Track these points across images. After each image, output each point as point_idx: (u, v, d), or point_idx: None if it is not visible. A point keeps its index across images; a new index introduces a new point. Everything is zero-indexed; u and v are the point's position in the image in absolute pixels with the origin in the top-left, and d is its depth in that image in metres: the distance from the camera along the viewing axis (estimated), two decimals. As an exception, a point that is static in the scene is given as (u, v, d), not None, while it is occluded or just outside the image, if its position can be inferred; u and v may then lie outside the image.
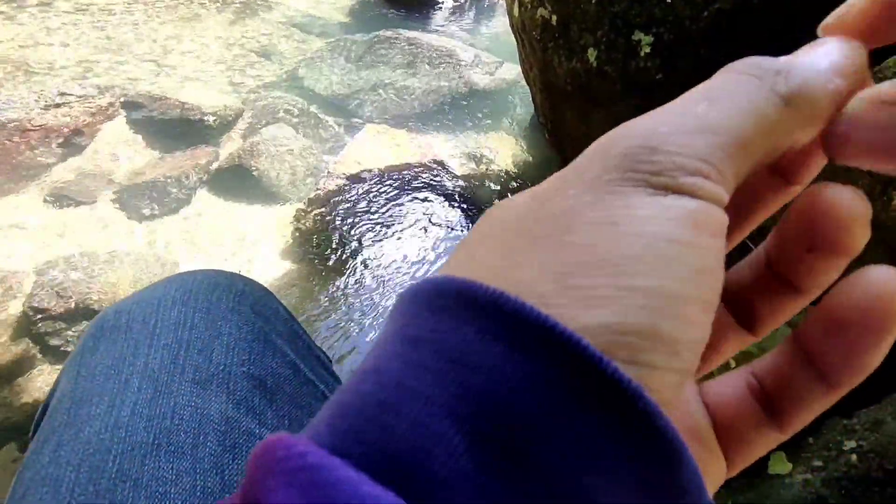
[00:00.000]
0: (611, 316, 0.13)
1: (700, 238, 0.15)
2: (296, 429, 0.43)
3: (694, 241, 0.14)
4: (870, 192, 0.75)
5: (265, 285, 1.59)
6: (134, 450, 0.37)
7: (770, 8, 1.09)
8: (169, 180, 1.95)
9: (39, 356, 1.49)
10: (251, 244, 1.78)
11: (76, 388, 0.42)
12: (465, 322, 0.14)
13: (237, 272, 0.54)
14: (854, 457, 0.74)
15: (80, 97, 2.29)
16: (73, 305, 1.53)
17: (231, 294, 0.49)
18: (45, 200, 1.89)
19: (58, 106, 2.23)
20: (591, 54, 1.34)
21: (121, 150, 2.13)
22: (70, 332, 1.50)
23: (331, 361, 0.58)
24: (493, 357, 0.13)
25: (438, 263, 1.71)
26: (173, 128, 2.20)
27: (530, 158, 2.18)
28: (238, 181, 2.00)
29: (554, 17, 1.37)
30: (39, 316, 1.52)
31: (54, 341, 1.50)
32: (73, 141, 2.10)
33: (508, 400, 0.12)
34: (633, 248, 0.14)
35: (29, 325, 1.52)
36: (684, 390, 0.19)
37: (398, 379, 0.13)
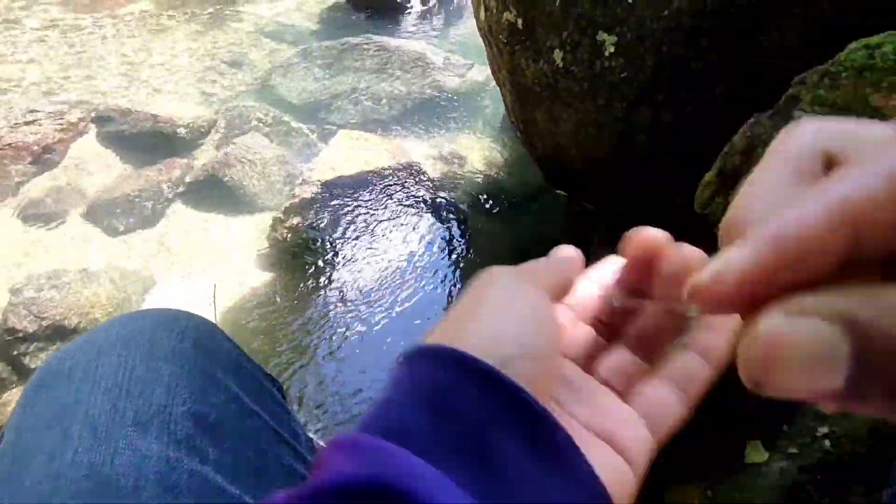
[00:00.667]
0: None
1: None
2: (240, 464, 0.44)
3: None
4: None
5: (244, 295, 1.58)
6: (74, 498, 0.37)
7: (724, 7, 1.12)
8: (142, 194, 1.94)
9: (14, 378, 1.47)
10: (228, 255, 1.77)
11: (18, 441, 0.42)
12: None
13: (181, 309, 0.55)
14: (827, 442, 0.76)
15: (49, 114, 2.26)
16: (47, 325, 1.51)
17: (173, 332, 0.49)
18: (16, 219, 1.86)
19: (27, 123, 2.20)
20: (558, 55, 1.36)
21: (92, 166, 2.10)
22: (45, 354, 1.49)
23: (280, 389, 0.58)
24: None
25: (416, 267, 1.72)
26: (145, 141, 2.18)
27: (503, 157, 2.21)
28: (213, 192, 1.99)
29: (519, 21, 1.39)
30: (13, 337, 1.49)
31: (29, 362, 1.48)
32: (43, 158, 2.07)
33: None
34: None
35: (3, 347, 1.50)
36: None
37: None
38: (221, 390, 0.47)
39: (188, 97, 2.48)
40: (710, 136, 1.28)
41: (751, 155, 0.87)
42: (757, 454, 0.82)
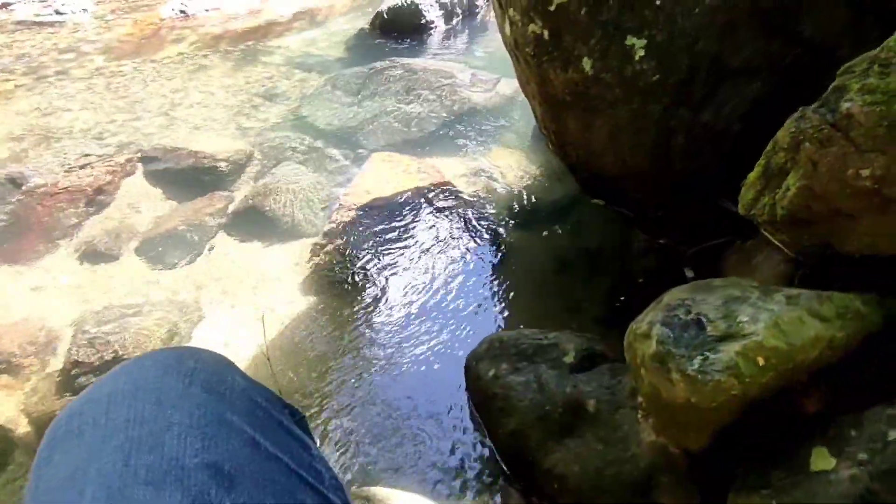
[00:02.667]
0: None
1: None
2: None
3: None
4: (885, 174, 0.74)
5: (288, 323, 1.61)
6: None
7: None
8: (188, 228, 2.01)
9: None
10: (272, 282, 1.81)
11: None
12: None
13: (189, 346, 0.55)
14: (899, 446, 0.72)
15: (99, 156, 2.37)
16: (109, 357, 1.57)
17: (181, 376, 0.48)
18: (75, 258, 1.95)
19: (81, 167, 2.31)
20: (586, 63, 1.35)
21: (141, 203, 2.19)
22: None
23: (303, 421, 0.57)
24: None
25: (456, 287, 1.72)
26: (188, 176, 2.27)
27: (537, 169, 2.20)
28: (254, 222, 2.04)
29: (545, 32, 1.39)
30: (78, 370, 1.56)
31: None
32: (96, 199, 2.17)
33: None
34: None
35: (70, 380, 1.56)
36: None
37: None
38: (235, 435, 0.46)
39: (225, 132, 2.56)
40: (753, 134, 1.25)
41: (797, 151, 0.84)
42: (823, 461, 0.78)
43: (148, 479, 0.40)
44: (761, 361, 0.75)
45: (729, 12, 1.11)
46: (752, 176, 0.95)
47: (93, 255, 1.96)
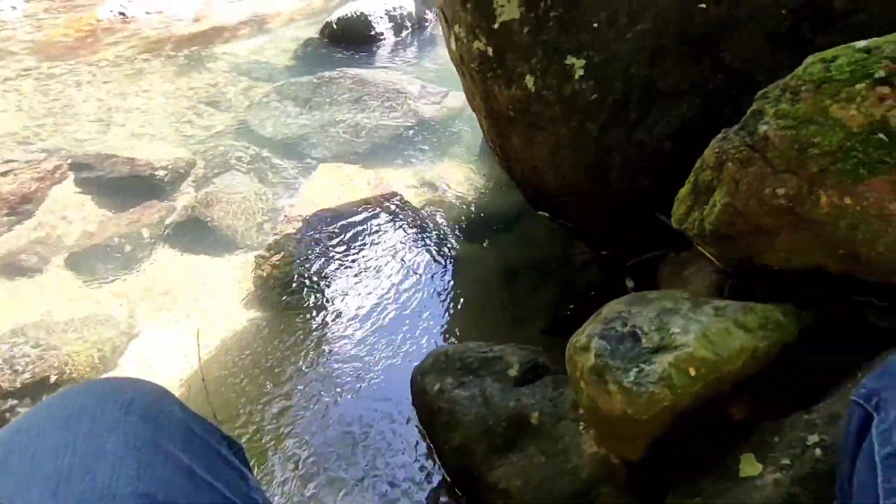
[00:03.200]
0: None
1: None
2: None
3: None
4: (797, 193, 0.80)
5: (227, 338, 1.56)
6: None
7: (684, 25, 1.15)
8: (123, 239, 1.92)
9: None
10: (211, 297, 1.76)
11: None
12: None
13: (125, 377, 0.55)
14: (818, 451, 0.76)
15: (26, 163, 2.25)
16: (28, 379, 1.48)
17: (118, 404, 0.47)
18: (-3, 272, 1.84)
19: (3, 174, 2.19)
20: (529, 80, 1.38)
21: (71, 213, 2.09)
22: (26, 409, 1.45)
23: (241, 452, 0.56)
24: None
25: (403, 300, 1.72)
26: (124, 185, 2.18)
27: (484, 182, 2.22)
28: (195, 233, 1.98)
29: (490, 49, 1.42)
30: (-6, 394, 1.46)
31: (10, 419, 1.44)
32: (20, 208, 2.06)
33: None
34: None
35: (-17, 405, 1.47)
36: None
37: None
38: (171, 463, 0.45)
39: (166, 140, 2.48)
40: (683, 152, 1.30)
41: (721, 169, 0.89)
42: (750, 467, 0.82)
43: None
44: (692, 372, 0.78)
45: (658, 38, 1.16)
46: (682, 192, 0.99)
47: (15, 269, 1.85)
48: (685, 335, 0.81)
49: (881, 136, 0.73)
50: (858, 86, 0.73)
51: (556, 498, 1.02)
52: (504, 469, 1.10)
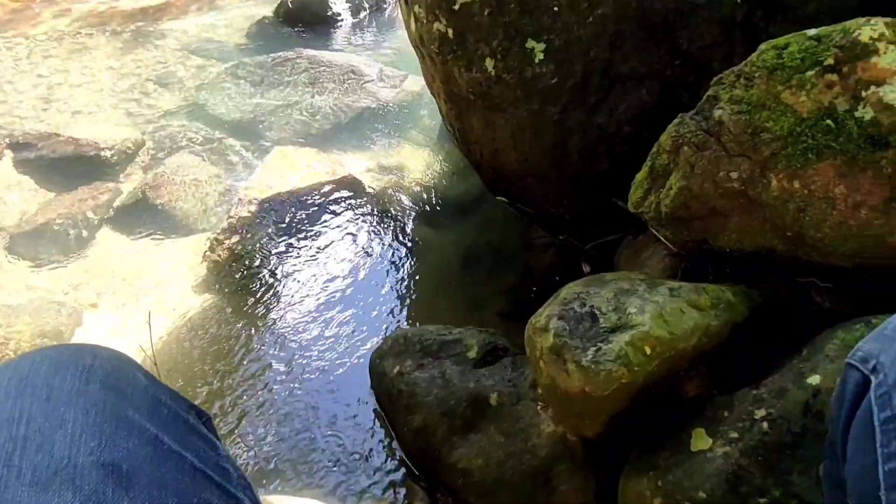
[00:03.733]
0: None
1: None
2: None
3: None
4: (750, 176, 0.82)
5: (181, 322, 1.52)
6: None
7: (642, 11, 1.17)
8: (67, 222, 1.83)
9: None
10: (163, 281, 1.70)
11: None
12: None
13: (85, 343, 0.52)
14: (765, 424, 0.79)
15: (-44, 141, 2.12)
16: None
17: (77, 372, 0.44)
18: (-75, 257, 1.73)
19: (-68, 153, 2.05)
20: (489, 63, 1.38)
21: (10, 195, 1.98)
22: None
23: (209, 422, 0.54)
24: None
25: (360, 284, 1.70)
26: (67, 166, 2.07)
27: (443, 167, 2.22)
28: (144, 216, 1.90)
29: (450, 31, 1.41)
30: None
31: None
32: (-49, 190, 1.93)
33: None
34: None
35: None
36: None
37: None
38: (135, 433, 0.43)
39: (112, 119, 2.37)
40: (641, 136, 1.33)
41: (678, 153, 0.91)
42: (702, 441, 0.85)
43: (33, 480, 0.37)
44: (648, 350, 0.80)
45: (618, 22, 1.17)
46: (639, 176, 1.01)
47: (-51, 253, 1.75)
48: (641, 315, 0.83)
49: (829, 122, 0.75)
50: (808, 73, 0.76)
51: (517, 476, 1.03)
52: (464, 449, 1.10)
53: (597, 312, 0.86)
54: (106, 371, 0.46)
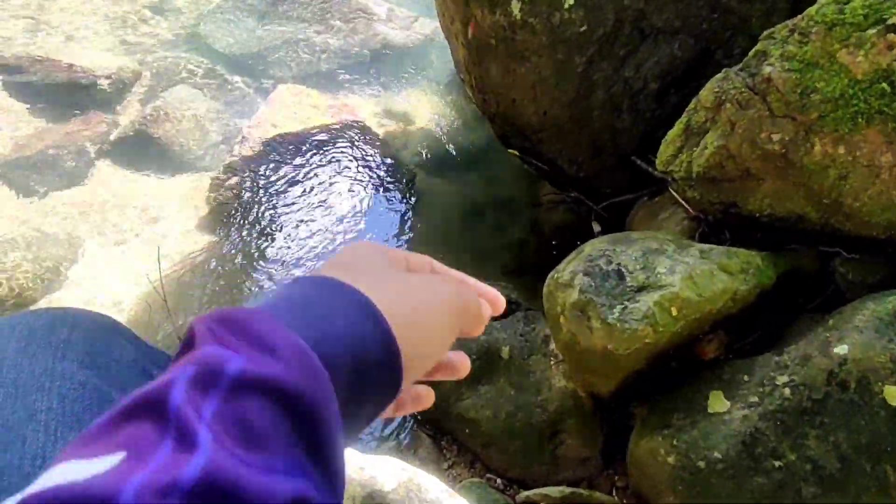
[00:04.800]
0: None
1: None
2: None
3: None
4: (793, 139, 0.79)
5: (181, 261, 1.47)
6: None
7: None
8: (62, 152, 1.77)
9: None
10: (163, 218, 1.65)
11: None
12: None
13: (64, 307, 0.42)
14: (787, 390, 0.79)
15: (-58, 61, 2.01)
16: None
17: (50, 348, 0.37)
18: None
19: (-84, 72, 1.95)
20: (515, 6, 1.31)
21: (1, 121, 1.90)
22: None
23: None
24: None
25: (364, 229, 1.67)
26: (61, 93, 1.98)
27: (452, 116, 2.16)
28: (142, 150, 1.84)
29: (476, -32, 1.34)
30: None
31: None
32: (-61, 112, 1.85)
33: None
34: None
35: None
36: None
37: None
38: None
39: (107, 45, 2.26)
40: (668, 94, 1.29)
41: (718, 111, 0.87)
42: (719, 403, 0.85)
43: (2, 486, 0.31)
44: (674, 312, 0.79)
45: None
46: (672, 133, 0.98)
47: (-63, 178, 1.68)
48: (671, 275, 0.81)
49: (884, 85, 0.72)
50: (869, 31, 0.72)
51: (525, 429, 1.04)
52: (473, 400, 1.11)
53: (624, 271, 0.84)
54: (86, 344, 0.39)
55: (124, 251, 1.55)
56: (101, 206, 1.67)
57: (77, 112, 1.93)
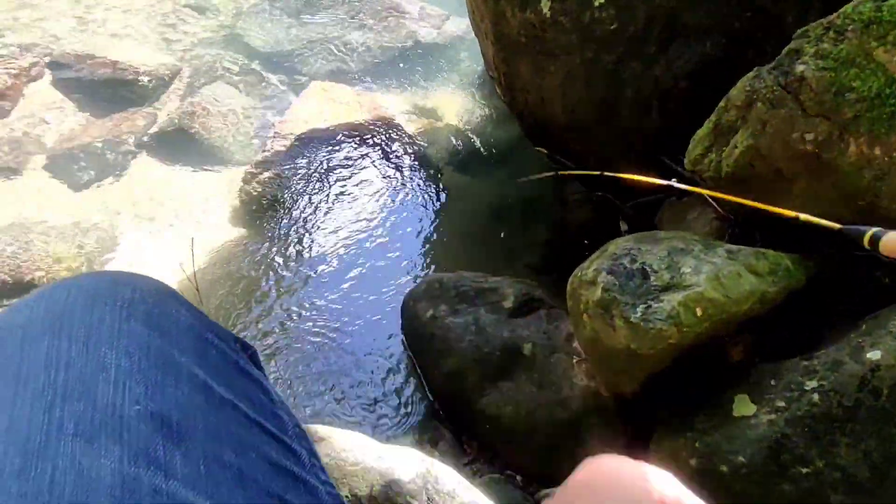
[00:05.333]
0: None
1: None
2: (216, 472, 0.36)
3: None
4: (826, 139, 0.77)
5: (214, 253, 1.52)
6: None
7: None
8: (104, 145, 1.83)
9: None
10: (198, 209, 1.70)
11: None
12: None
13: (123, 270, 0.43)
14: (816, 396, 0.78)
15: (0, 57, 2.11)
16: (7, 280, 1.44)
17: (116, 308, 0.39)
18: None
19: (-24, 67, 2.05)
20: (545, 4, 1.31)
21: (49, 114, 1.97)
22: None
23: (255, 356, 0.48)
24: None
25: (391, 225, 1.69)
26: (105, 88, 2.05)
27: (481, 114, 2.16)
28: (180, 144, 1.89)
29: (507, -34, 1.34)
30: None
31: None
32: (-6, 105, 1.94)
33: None
34: None
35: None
36: None
37: None
38: (184, 380, 0.38)
39: (149, 43, 2.34)
40: (698, 94, 1.27)
41: (749, 109, 0.86)
42: (745, 407, 0.84)
43: (77, 431, 0.33)
44: (699, 312, 0.78)
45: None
46: (701, 132, 0.97)
47: (-9, 168, 1.76)
48: (696, 275, 0.80)
49: (923, 84, 0.70)
50: (908, 28, 0.70)
51: (546, 426, 1.04)
52: (494, 396, 1.11)
53: (648, 270, 0.84)
54: (147, 306, 0.41)
55: (160, 241, 1.60)
56: (138, 197, 1.73)
57: (119, 107, 2.00)
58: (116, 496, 0.31)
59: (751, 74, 0.87)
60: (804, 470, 0.74)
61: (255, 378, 0.45)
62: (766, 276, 0.82)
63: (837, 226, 0.67)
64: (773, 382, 0.81)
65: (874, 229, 0.61)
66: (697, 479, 0.80)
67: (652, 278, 0.82)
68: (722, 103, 0.93)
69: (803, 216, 0.74)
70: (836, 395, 0.74)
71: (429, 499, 0.62)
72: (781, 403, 0.78)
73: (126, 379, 0.36)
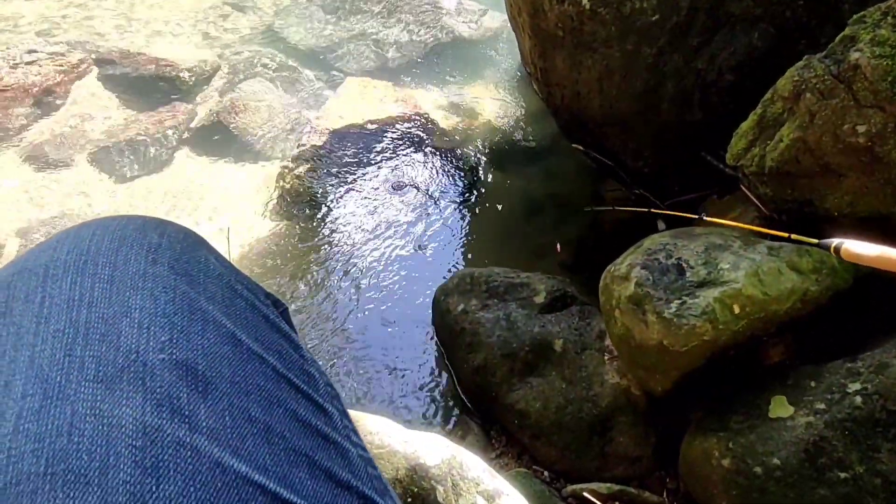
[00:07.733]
0: None
1: None
2: (242, 427, 0.34)
3: None
4: (881, 131, 0.74)
5: (251, 244, 1.53)
6: (20, 483, 0.28)
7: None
8: (148, 139, 1.89)
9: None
10: (235, 202, 1.73)
11: None
12: None
13: (149, 216, 0.42)
14: (858, 399, 0.74)
15: (49, 54, 2.18)
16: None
17: (143, 250, 0.38)
18: (22, 162, 1.82)
19: (28, 64, 2.13)
20: (584, -4, 1.29)
21: (95, 109, 2.04)
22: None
23: (286, 313, 0.46)
24: None
25: (426, 220, 1.69)
26: (148, 84, 2.11)
27: (516, 110, 2.14)
28: (218, 139, 1.93)
29: (544, -43, 1.32)
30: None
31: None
32: (44, 101, 2.01)
33: None
34: None
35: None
36: None
37: None
38: (211, 329, 0.37)
39: (190, 40, 2.39)
40: (744, 87, 1.23)
41: (797, 101, 0.82)
42: (782, 408, 0.81)
43: (98, 375, 0.32)
44: (737, 309, 0.76)
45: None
46: (745, 125, 0.93)
47: (42, 161, 1.83)
48: (734, 271, 0.78)
49: None
50: (970, 13, 0.66)
51: (575, 422, 1.02)
52: (523, 391, 1.10)
53: (684, 265, 0.81)
54: (175, 252, 0.39)
55: (197, 232, 1.63)
56: (179, 190, 1.77)
57: (161, 102, 2.05)
58: (138, 446, 0.30)
59: (800, 63, 0.83)
60: (842, 475, 0.71)
61: (285, 332, 0.43)
62: (808, 274, 0.79)
63: (815, 241, 0.68)
64: (812, 384, 0.78)
65: (836, 241, 0.67)
66: (730, 479, 0.78)
67: (688, 274, 0.80)
68: (768, 94, 0.90)
69: (794, 236, 0.73)
70: (880, 399, 0.71)
71: (453, 484, 0.62)
72: (821, 406, 0.75)
73: (150, 323, 0.35)
